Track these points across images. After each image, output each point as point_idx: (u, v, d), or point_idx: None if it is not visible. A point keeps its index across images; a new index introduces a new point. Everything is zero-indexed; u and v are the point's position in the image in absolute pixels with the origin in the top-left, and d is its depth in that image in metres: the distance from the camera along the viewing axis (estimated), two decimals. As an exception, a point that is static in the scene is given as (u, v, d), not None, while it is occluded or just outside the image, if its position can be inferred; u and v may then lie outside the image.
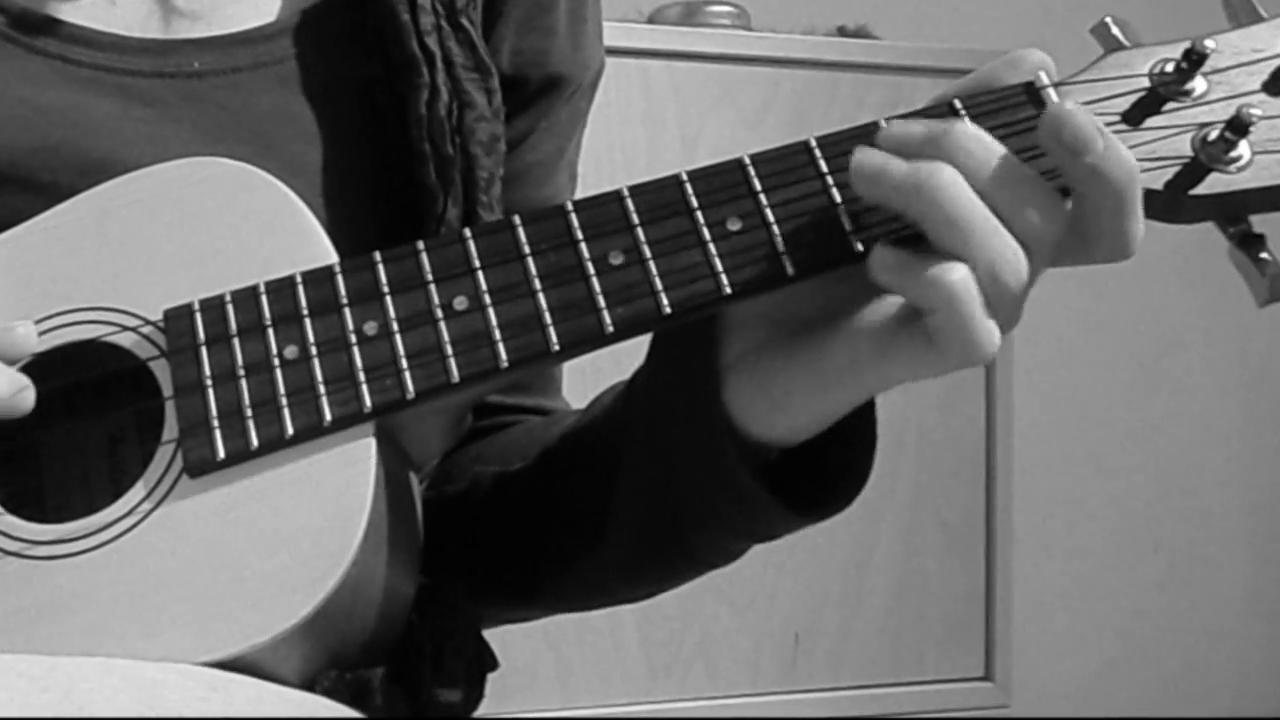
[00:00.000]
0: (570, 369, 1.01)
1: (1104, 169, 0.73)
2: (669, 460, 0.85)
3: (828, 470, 0.84)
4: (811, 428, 0.80)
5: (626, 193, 0.79)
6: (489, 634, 0.94)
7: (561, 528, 0.94)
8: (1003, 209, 0.73)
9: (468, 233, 0.79)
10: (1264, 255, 0.77)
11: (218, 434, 0.77)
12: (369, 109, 0.97)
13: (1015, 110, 0.77)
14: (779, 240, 0.77)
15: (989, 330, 0.73)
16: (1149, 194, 0.76)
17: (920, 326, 0.74)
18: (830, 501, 0.84)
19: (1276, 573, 2.98)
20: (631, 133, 2.07)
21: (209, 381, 0.78)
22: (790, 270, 0.76)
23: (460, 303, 0.78)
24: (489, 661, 0.92)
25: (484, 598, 0.97)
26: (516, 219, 0.79)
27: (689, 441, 0.83)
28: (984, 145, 0.74)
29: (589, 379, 0.97)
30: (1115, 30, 0.80)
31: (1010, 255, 0.73)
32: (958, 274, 0.72)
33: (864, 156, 0.75)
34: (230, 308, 0.80)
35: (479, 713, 0.90)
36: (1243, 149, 0.76)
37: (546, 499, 0.95)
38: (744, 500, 0.82)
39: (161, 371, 0.79)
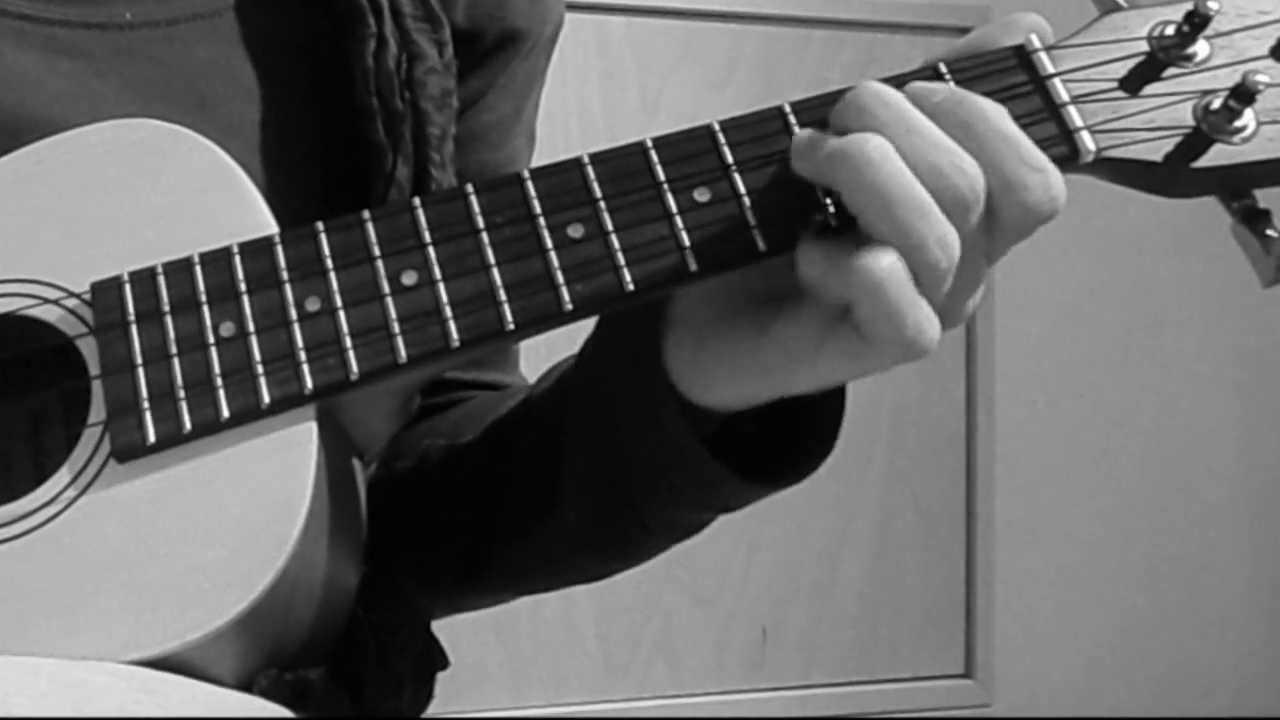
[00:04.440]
0: (526, 344, 1.01)
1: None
2: (616, 421, 0.85)
3: (789, 434, 0.84)
4: (739, 405, 0.80)
5: (587, 160, 0.79)
6: (437, 628, 0.94)
7: (513, 496, 0.94)
8: (923, 175, 0.72)
9: (417, 202, 0.79)
10: (1270, 232, 0.77)
11: (148, 416, 0.76)
12: (312, 64, 0.97)
13: (1005, 75, 0.77)
14: (750, 213, 0.76)
15: (924, 319, 0.72)
16: (1147, 166, 0.76)
17: (851, 323, 0.73)
18: (788, 469, 0.84)
19: (1274, 564, 3.00)
20: (588, 94, 2.07)
21: (139, 360, 0.78)
22: (762, 245, 0.76)
23: (409, 277, 0.78)
24: (438, 659, 0.92)
25: (434, 580, 0.98)
26: (469, 187, 0.79)
27: (633, 399, 0.83)
28: (891, 109, 0.73)
29: (543, 355, 0.97)
30: (1112, -10, 0.80)
31: (935, 227, 0.72)
32: (884, 260, 0.71)
33: (799, 134, 0.75)
34: (162, 281, 0.79)
35: (427, 713, 0.91)
36: (1248, 118, 0.76)
37: (497, 468, 0.95)
38: (690, 463, 0.82)
39: (88, 349, 0.79)
